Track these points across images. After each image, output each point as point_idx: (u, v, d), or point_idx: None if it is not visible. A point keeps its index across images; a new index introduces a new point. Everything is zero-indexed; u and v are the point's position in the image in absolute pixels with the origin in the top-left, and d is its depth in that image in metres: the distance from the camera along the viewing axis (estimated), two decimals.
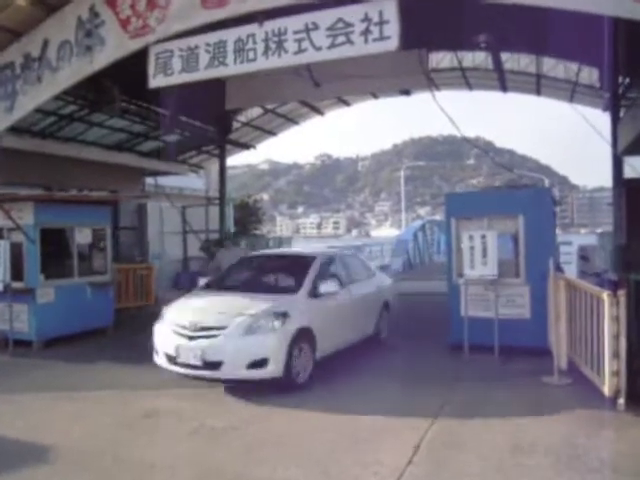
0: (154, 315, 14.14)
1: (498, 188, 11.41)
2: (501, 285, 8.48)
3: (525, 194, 8.79)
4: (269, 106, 17.58)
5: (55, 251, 10.50)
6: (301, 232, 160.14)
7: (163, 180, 22.32)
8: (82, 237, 10.74)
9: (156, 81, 8.99)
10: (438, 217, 45.12)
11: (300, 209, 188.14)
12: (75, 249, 10.61)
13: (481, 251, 8.30)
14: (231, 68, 8.28)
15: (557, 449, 4.93)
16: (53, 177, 14.53)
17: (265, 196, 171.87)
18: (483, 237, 8.29)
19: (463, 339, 8.59)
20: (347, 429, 5.58)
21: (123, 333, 11.34)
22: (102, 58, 9.23)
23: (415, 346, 9.52)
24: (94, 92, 13.14)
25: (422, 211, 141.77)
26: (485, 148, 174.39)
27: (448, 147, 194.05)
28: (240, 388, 7.01)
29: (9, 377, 8.08)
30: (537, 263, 8.31)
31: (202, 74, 8.58)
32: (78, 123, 14.76)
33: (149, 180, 20.50)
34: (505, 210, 8.62)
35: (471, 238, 8.38)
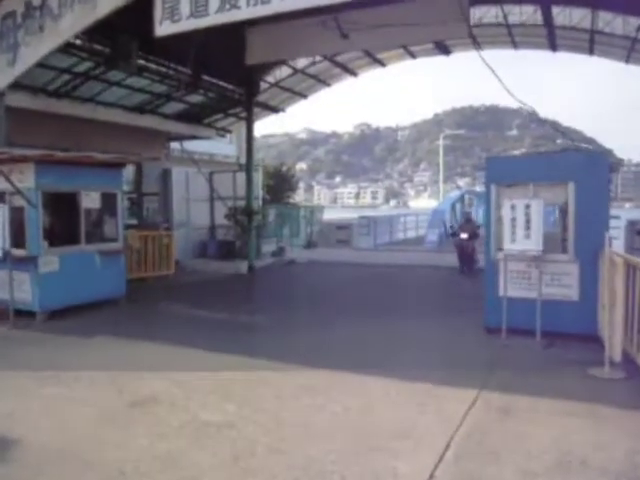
0: (172, 286, 13.80)
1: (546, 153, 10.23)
2: (546, 262, 7.43)
3: (577, 158, 7.59)
4: (298, 66, 16.54)
5: (60, 217, 9.88)
6: (339, 202, 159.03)
7: (192, 145, 21.60)
8: (89, 202, 10.04)
9: (163, 28, 8.15)
10: (478, 188, 43.45)
11: (338, 179, 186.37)
12: (82, 215, 9.93)
13: (524, 223, 7.24)
14: (244, 11, 7.34)
15: (615, 468, 3.96)
16: (70, 140, 13.86)
17: (303, 165, 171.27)
18: (527, 207, 7.22)
19: (500, 321, 7.61)
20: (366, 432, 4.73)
21: (136, 305, 10.74)
22: (105, 3, 8.39)
23: (445, 326, 8.58)
24: (110, 48, 12.37)
25: (462, 182, 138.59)
26: (530, 117, 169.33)
27: (490, 117, 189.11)
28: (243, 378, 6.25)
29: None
30: (588, 238, 7.24)
31: (212, 19, 7.68)
32: (95, 82, 13.99)
33: (174, 145, 19.77)
34: (553, 176, 7.49)
35: (513, 208, 7.31)
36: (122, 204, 10.99)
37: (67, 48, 12.27)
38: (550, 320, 7.29)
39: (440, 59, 16.99)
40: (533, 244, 7.20)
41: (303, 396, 5.60)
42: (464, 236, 14.72)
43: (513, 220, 7.33)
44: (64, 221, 9.98)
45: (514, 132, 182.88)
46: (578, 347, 7.08)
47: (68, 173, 9.65)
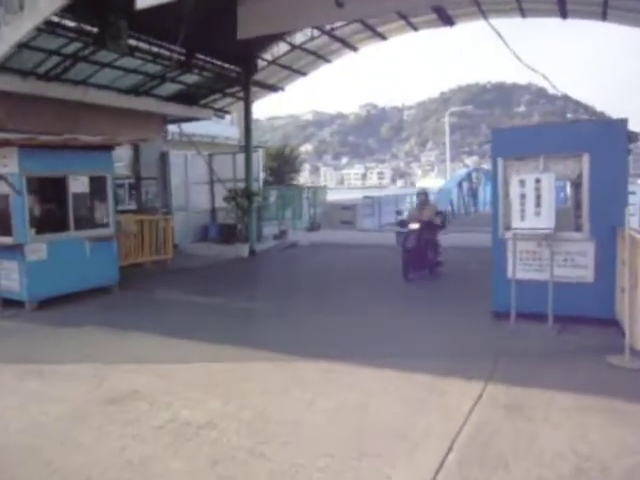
0: (169, 272, 13.37)
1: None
2: (558, 241, 6.92)
3: (592, 128, 7.00)
4: (296, 42, 15.92)
5: (47, 203, 9.46)
6: (345, 183, 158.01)
7: (192, 128, 21.08)
8: (78, 186, 9.60)
9: (141, 0, 7.59)
10: (485, 166, 42.66)
11: (344, 160, 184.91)
12: (70, 200, 9.48)
13: (534, 199, 6.72)
14: None
15: None
16: (64, 125, 13.37)
17: (309, 147, 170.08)
18: (537, 181, 6.69)
19: (509, 305, 7.12)
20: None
21: (130, 292, 10.34)
22: None
23: (450, 311, 8.11)
24: (98, 27, 11.86)
25: (469, 161, 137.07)
26: (539, 93, 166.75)
27: (497, 94, 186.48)
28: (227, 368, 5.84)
29: None
30: (605, 214, 6.72)
31: None
32: (86, 64, 13.47)
33: (173, 128, 19.24)
34: (566, 148, 6.92)
35: (522, 183, 6.79)
36: (113, 188, 10.54)
37: (54, 28, 11.79)
38: (563, 303, 6.79)
39: (446, 36, 16.37)
40: (544, 222, 6.68)
41: (293, 390, 5.17)
42: (414, 226, 10.56)
43: (522, 196, 6.81)
44: (52, 207, 9.56)
45: (522, 109, 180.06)
46: (594, 333, 6.59)
47: (54, 157, 9.20)
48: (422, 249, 10.45)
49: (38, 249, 9.05)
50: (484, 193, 29.92)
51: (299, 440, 4.13)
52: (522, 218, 6.85)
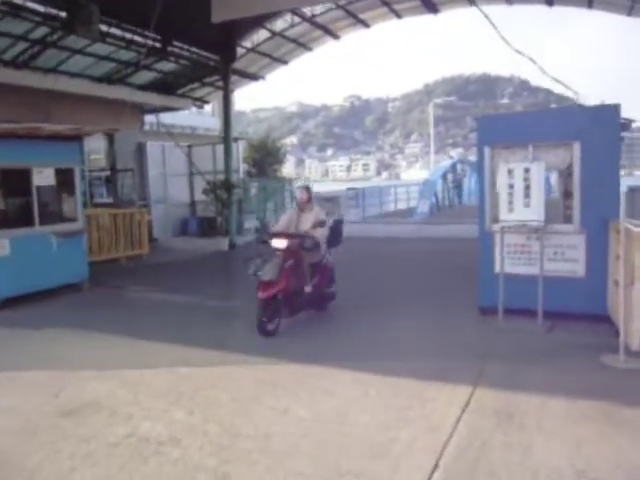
0: (145, 267, 12.85)
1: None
2: (548, 234, 6.57)
3: (583, 114, 6.63)
4: (277, 29, 15.45)
5: (10, 196, 8.92)
6: (330, 175, 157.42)
7: (172, 119, 20.57)
8: (43, 179, 9.09)
9: None
10: (471, 158, 42.43)
11: (329, 152, 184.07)
12: (34, 193, 8.96)
13: (523, 189, 6.36)
14: None
15: None
16: (36, 114, 12.78)
17: (294, 139, 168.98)
18: (526, 171, 6.33)
19: (496, 301, 6.77)
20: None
21: (100, 290, 9.87)
22: None
23: (436, 307, 7.75)
24: (66, 11, 11.29)
25: (454, 153, 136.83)
26: (522, 86, 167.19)
27: (481, 86, 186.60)
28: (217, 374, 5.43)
29: None
30: (596, 205, 6.39)
31: None
32: (55, 50, 12.92)
33: (150, 118, 18.69)
34: (556, 135, 6.55)
35: (510, 173, 6.42)
36: (81, 180, 10.04)
37: (19, 11, 11.23)
38: (552, 299, 6.45)
39: (430, 26, 16.03)
40: (534, 214, 6.32)
41: (265, 397, 4.77)
42: (280, 244, 6.99)
43: (510, 187, 6.44)
44: (15, 201, 9.04)
45: (505, 101, 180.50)
46: (585, 329, 6.27)
47: (15, 147, 8.64)
48: (293, 283, 6.85)
49: None
50: (469, 185, 29.68)
51: (269, 457, 3.72)
52: (510, 210, 6.49)
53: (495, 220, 6.84)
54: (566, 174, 6.83)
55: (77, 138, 9.61)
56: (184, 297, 9.28)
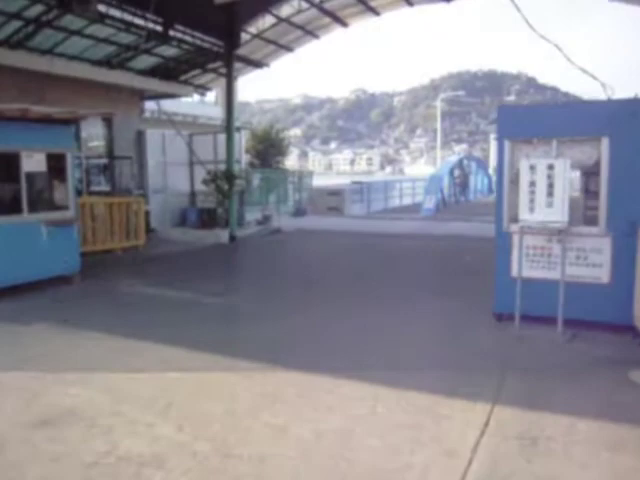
0: (141, 259, 12.39)
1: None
2: (570, 236, 6.09)
3: (613, 107, 6.14)
4: (283, 14, 14.91)
5: None
6: (334, 168, 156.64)
7: (173, 106, 19.99)
8: (32, 164, 8.59)
9: None
10: (476, 154, 41.89)
11: (333, 145, 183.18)
12: (23, 179, 8.48)
13: (546, 187, 5.87)
14: None
15: None
16: (32, 98, 12.20)
17: (298, 131, 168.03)
18: (550, 167, 5.84)
19: (513, 307, 6.30)
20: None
21: (91, 283, 9.40)
22: None
23: (448, 311, 7.29)
24: None
25: (458, 148, 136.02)
26: (529, 83, 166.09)
27: (488, 82, 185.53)
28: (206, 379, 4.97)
29: None
30: (624, 206, 5.91)
31: None
32: (51, 30, 12.38)
33: (150, 105, 18.15)
34: (582, 130, 6.05)
35: (533, 169, 5.93)
36: (76, 167, 9.56)
37: None
38: (572, 306, 5.99)
39: (440, 18, 15.42)
40: (557, 214, 5.84)
41: (263, 411, 4.30)
42: None
43: (532, 184, 5.95)
44: (2, 187, 8.56)
45: (512, 98, 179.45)
46: (609, 341, 5.82)
47: (3, 130, 8.17)
48: None
49: None
50: (475, 181, 29.20)
51: None
52: (531, 209, 6.00)
53: (514, 220, 6.35)
54: (590, 172, 6.33)
55: (71, 122, 9.11)
56: (180, 292, 8.82)
